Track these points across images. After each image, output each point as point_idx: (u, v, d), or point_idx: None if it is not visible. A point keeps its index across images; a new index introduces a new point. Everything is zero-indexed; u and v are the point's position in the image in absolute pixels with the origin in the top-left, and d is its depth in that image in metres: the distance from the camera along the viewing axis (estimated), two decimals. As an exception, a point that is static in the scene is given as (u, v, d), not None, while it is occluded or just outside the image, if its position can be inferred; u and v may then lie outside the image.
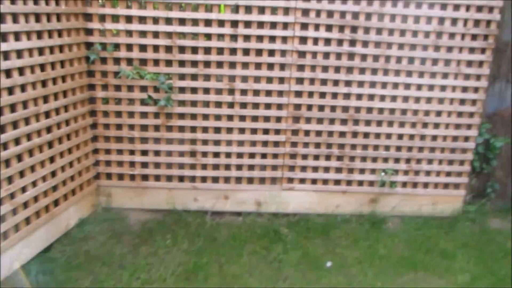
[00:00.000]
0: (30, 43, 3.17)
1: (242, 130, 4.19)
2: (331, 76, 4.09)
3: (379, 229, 4.14)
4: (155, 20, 3.89)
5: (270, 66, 4.06)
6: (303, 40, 4.01)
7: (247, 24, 3.94)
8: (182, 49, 3.96)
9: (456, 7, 4.00)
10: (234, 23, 3.94)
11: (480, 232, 4.17)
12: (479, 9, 4.02)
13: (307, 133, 4.23)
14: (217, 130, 4.17)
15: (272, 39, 3.99)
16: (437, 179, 4.39)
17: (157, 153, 4.19)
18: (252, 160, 4.25)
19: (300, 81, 4.11)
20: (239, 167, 4.28)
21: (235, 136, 4.18)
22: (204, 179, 4.28)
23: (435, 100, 4.20)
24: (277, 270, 3.49)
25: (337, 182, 4.37)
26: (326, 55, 4.06)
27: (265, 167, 4.29)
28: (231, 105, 4.12)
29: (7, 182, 3.07)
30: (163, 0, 3.82)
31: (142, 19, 3.88)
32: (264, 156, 4.26)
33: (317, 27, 3.98)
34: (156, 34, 3.91)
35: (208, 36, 3.96)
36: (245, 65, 4.04)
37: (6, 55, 3.01)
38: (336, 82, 4.13)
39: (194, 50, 3.97)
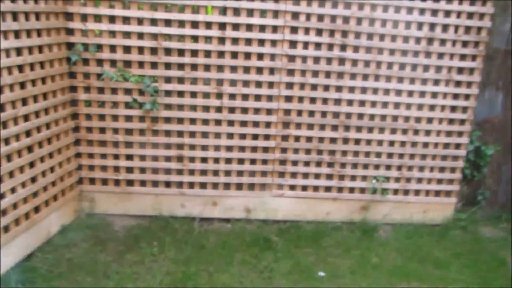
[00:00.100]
0: (7, 43, 3.04)
1: (230, 135, 4.10)
2: (321, 81, 4.04)
3: (371, 237, 4.08)
4: (140, 21, 3.79)
5: (259, 70, 3.99)
6: (293, 44, 3.96)
7: (235, 26, 3.87)
8: (168, 51, 3.87)
9: (447, 13, 4.00)
10: (222, 26, 3.86)
11: (472, 240, 4.15)
12: (470, 15, 4.02)
13: (297, 139, 4.16)
14: (205, 135, 4.08)
15: (261, 42, 3.93)
16: (428, 186, 4.36)
17: (142, 157, 4.07)
18: (241, 166, 4.17)
19: (290, 86, 4.05)
20: (227, 173, 4.19)
21: (223, 141, 4.09)
22: (191, 184, 4.17)
23: (426, 106, 4.18)
24: (268, 279, 3.39)
25: (328, 189, 4.30)
26: (317, 59, 4.01)
27: (255, 173, 4.21)
28: (219, 109, 4.03)
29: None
30: (148, 0, 3.71)
31: (126, 20, 3.78)
32: (253, 162, 4.18)
33: (307, 31, 3.94)
34: (140, 35, 3.81)
35: (195, 39, 3.88)
36: (234, 69, 3.97)
37: (-19, 56, 2.87)
38: (326, 88, 4.08)
39: (181, 52, 3.88)
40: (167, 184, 4.16)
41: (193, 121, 4.03)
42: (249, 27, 3.88)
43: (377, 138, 4.20)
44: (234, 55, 3.93)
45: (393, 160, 4.27)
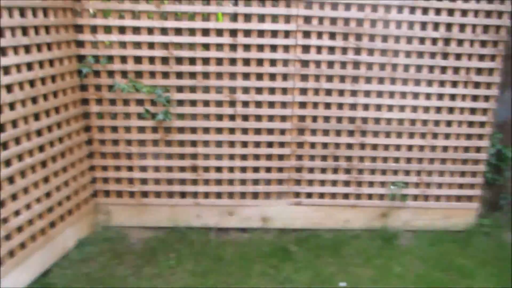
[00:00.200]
0: (18, 58, 3.02)
1: (244, 144, 4.05)
2: (336, 86, 3.97)
3: (392, 245, 3.98)
4: (150, 30, 3.76)
5: (272, 77, 3.94)
6: (306, 48, 3.90)
7: (247, 33, 3.82)
8: (179, 60, 3.83)
9: (464, 12, 3.90)
10: (233, 32, 3.81)
11: (496, 247, 4.04)
12: (488, 14, 3.91)
13: (313, 145, 4.09)
14: (219, 144, 4.02)
15: (274, 48, 3.87)
16: (449, 191, 4.25)
17: (156, 168, 4.03)
18: (257, 175, 4.10)
19: (304, 91, 3.98)
20: (243, 182, 4.13)
21: (237, 150, 4.03)
22: (207, 194, 4.12)
23: (445, 109, 4.09)
24: (289, 291, 3.30)
25: (346, 196, 4.21)
26: (330, 64, 3.94)
27: (270, 181, 4.14)
28: (232, 117, 3.97)
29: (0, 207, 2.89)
30: (158, 10, 3.67)
31: (136, 30, 3.75)
32: (268, 170, 4.12)
33: (320, 35, 3.87)
34: (151, 45, 3.79)
35: (206, 46, 3.84)
36: (246, 76, 3.91)
37: (-10, 72, 2.85)
38: (341, 92, 4.00)
39: (192, 61, 3.84)
40: (182, 194, 4.11)
41: (206, 130, 3.98)
42: (261, 33, 3.83)
43: (395, 142, 4.11)
44: (246, 62, 3.88)
45: (412, 165, 4.17)
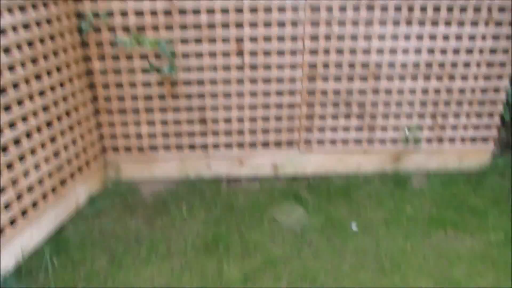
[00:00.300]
0: (12, 19, 2.99)
1: (254, 94, 4.09)
2: (348, 30, 3.93)
3: (404, 188, 4.09)
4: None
5: (281, 24, 3.91)
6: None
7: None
8: (183, 12, 3.81)
9: None
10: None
11: (510, 186, 4.10)
12: None
13: (324, 93, 4.12)
14: (227, 95, 4.08)
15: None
16: (464, 133, 4.29)
17: (164, 123, 4.13)
18: (267, 124, 4.18)
19: (315, 38, 3.96)
20: (253, 132, 4.21)
21: (247, 100, 4.08)
22: (216, 146, 4.23)
23: (463, 50, 4.03)
24: (301, 236, 3.47)
25: (358, 141, 4.29)
26: (342, 8, 3.88)
27: (281, 130, 4.22)
28: (240, 68, 4.00)
29: (8, 169, 3.01)
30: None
31: (136, -18, 3.71)
32: (279, 119, 4.18)
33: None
34: (153, -3, 3.76)
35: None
36: (253, 25, 3.89)
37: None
38: (354, 37, 3.97)
39: (196, 12, 3.82)
40: (192, 147, 4.22)
41: (214, 82, 4.03)
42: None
43: (410, 86, 4.11)
44: (253, 10, 3.85)
45: (427, 109, 4.20)
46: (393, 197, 3.94)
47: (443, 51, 4.03)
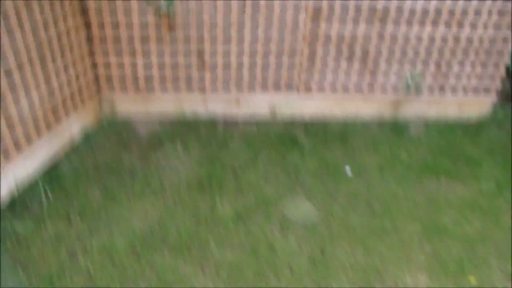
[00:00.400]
0: None
1: (255, 28, 4.02)
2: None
3: (401, 135, 4.14)
4: None
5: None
6: None
7: None
8: None
9: None
10: None
11: (507, 138, 4.16)
12: None
13: (327, 34, 4.05)
14: (227, 28, 4.01)
15: None
16: (467, 83, 4.30)
17: (161, 55, 4.09)
18: (266, 61, 4.13)
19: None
20: (252, 69, 4.18)
21: (247, 36, 4.03)
22: (214, 85, 4.22)
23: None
24: (294, 177, 3.56)
25: (358, 86, 4.30)
26: None
27: (281, 71, 4.20)
28: (241, 4, 3.90)
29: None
30: None
31: None
32: (279, 61, 4.13)
33: None
34: None
35: None
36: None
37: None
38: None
39: None
40: (189, 85, 4.21)
41: (213, 16, 3.95)
42: None
43: (416, 33, 4.06)
44: None
45: (432, 56, 4.17)
46: (389, 144, 4.00)
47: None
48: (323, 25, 3.99)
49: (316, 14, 3.93)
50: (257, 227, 3.00)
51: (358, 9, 3.94)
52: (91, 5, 3.80)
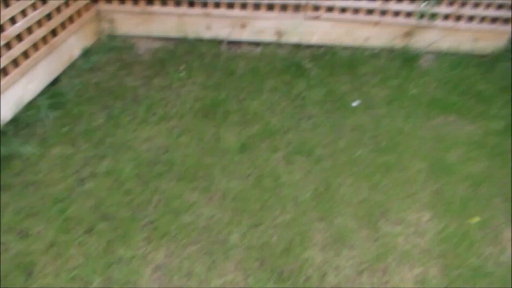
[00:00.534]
0: None
1: None
2: None
3: (411, 66, 4.11)
4: None
5: None
6: None
7: None
8: None
9: None
10: None
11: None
12: None
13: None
14: None
15: None
16: (485, 12, 4.17)
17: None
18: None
19: None
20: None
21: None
22: (217, 4, 4.09)
23: None
24: (300, 108, 3.59)
25: (370, 11, 4.18)
26: None
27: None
28: None
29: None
30: None
31: None
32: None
33: None
34: None
35: None
36: None
37: None
38: None
39: None
40: (191, 3, 4.09)
41: None
42: None
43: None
44: None
45: (449, -20, 4.04)
46: (398, 75, 3.99)
47: None
48: None
49: None
50: (262, 159, 3.08)
51: None
52: None
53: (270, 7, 4.11)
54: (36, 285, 2.22)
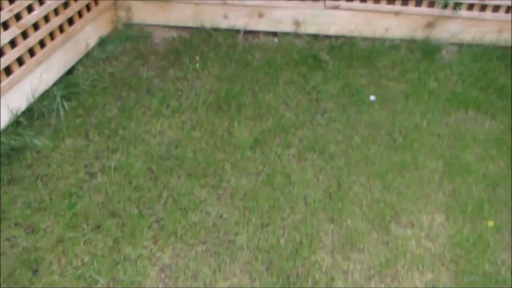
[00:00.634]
0: None
1: None
2: None
3: (432, 59, 3.87)
4: None
5: None
6: None
7: None
8: None
9: None
10: None
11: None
12: None
13: None
14: None
15: None
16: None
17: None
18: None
19: None
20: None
21: None
22: (235, -9, 3.91)
23: None
24: (315, 102, 3.42)
25: (391, 0, 3.94)
26: None
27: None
28: None
29: (9, 2, 2.82)
30: None
31: None
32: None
33: None
34: None
35: None
36: None
37: None
38: None
39: None
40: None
41: None
42: None
43: None
44: None
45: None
46: (418, 68, 3.76)
47: None
48: None
49: None
50: (274, 155, 2.95)
51: None
52: None
53: (289, -5, 3.90)
54: (41, 283, 2.16)
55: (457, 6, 3.87)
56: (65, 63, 3.39)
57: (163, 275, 2.25)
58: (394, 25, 4.01)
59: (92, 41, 3.67)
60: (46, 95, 3.17)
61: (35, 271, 2.20)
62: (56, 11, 3.22)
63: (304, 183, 2.77)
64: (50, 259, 2.26)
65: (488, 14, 3.95)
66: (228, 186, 2.73)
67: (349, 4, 3.93)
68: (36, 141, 2.86)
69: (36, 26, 3.07)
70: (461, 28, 4.02)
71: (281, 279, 2.26)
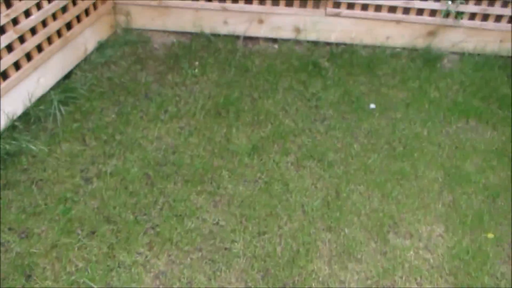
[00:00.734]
0: None
1: None
2: None
3: (433, 67, 3.90)
4: None
5: None
6: None
7: None
8: None
9: None
10: None
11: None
12: None
13: None
14: None
15: None
16: (513, 11, 3.93)
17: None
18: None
19: None
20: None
21: None
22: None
23: None
24: (315, 109, 3.44)
25: (392, 9, 3.96)
26: None
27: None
28: None
29: (6, 7, 2.84)
30: None
31: None
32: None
33: None
34: None
35: None
36: None
37: None
38: None
39: None
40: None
41: None
42: None
43: None
44: None
45: (477, -23, 3.79)
46: (419, 77, 3.79)
47: None
48: None
49: None
50: (272, 162, 2.96)
51: None
52: None
53: (289, 2, 3.94)
54: (34, 289, 2.16)
55: (459, 15, 3.90)
56: (62, 67, 3.41)
57: (157, 282, 2.26)
58: (395, 33, 4.04)
59: (91, 45, 3.70)
60: (43, 100, 3.20)
61: (28, 277, 2.21)
62: (54, 16, 3.24)
63: (302, 191, 2.78)
64: (43, 264, 2.27)
65: (490, 23, 3.98)
66: (225, 193, 2.74)
67: (350, 11, 3.96)
68: (32, 146, 2.87)
69: (33, 31, 3.09)
70: (462, 37, 4.05)
71: (277, 288, 2.27)
